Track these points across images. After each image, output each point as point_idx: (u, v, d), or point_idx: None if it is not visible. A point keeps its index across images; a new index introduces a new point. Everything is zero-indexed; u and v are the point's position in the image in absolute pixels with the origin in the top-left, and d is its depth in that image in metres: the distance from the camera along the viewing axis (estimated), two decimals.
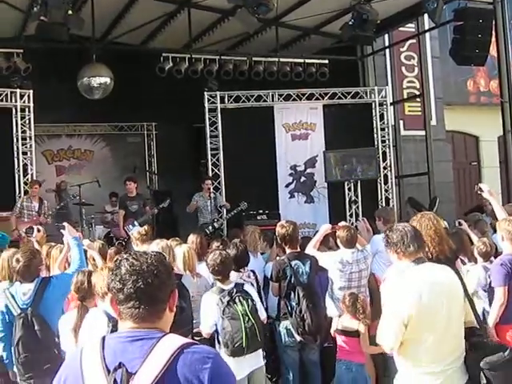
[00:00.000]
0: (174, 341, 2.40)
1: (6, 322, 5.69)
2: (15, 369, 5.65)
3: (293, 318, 6.93)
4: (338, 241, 7.43)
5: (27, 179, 13.28)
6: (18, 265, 5.79)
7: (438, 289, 4.12)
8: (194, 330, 6.24)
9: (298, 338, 6.97)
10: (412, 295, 4.00)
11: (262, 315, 6.21)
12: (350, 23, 12.59)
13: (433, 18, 12.78)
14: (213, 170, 14.64)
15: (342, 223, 7.86)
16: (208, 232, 12.71)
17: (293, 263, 7.03)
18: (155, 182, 18.49)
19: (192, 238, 8.02)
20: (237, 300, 5.81)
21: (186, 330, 6.12)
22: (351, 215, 14.67)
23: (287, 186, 14.93)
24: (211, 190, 13.50)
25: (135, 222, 12.65)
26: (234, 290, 5.90)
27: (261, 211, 13.81)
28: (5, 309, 5.67)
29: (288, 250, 7.24)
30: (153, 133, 18.71)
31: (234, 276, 6.51)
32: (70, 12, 10.99)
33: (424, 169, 15.62)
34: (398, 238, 4.31)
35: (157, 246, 6.44)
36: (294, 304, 6.91)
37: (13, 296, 5.67)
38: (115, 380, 2.31)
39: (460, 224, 8.47)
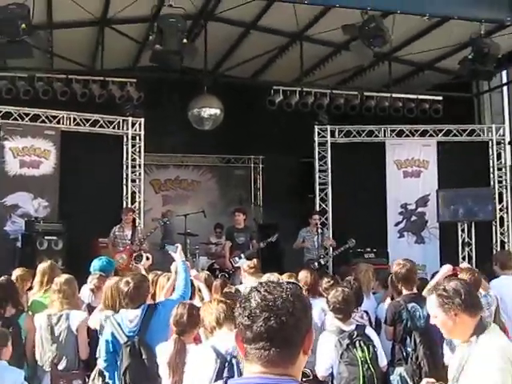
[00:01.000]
0: None
1: (111, 351, 5.50)
2: None
3: (408, 365, 6.46)
4: None
5: (134, 207, 13.35)
6: (128, 287, 5.62)
7: None
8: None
9: None
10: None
11: (383, 363, 5.80)
12: (470, 57, 12.08)
13: None
14: (320, 205, 14.35)
15: (465, 265, 7.36)
16: (314, 268, 12.35)
17: (409, 306, 6.58)
18: (260, 215, 18.27)
19: (304, 273, 7.71)
20: (357, 344, 5.44)
21: None
22: (464, 258, 14.00)
23: (397, 224, 14.45)
24: (318, 225, 13.17)
25: (242, 255, 12.48)
26: (355, 333, 5.53)
27: (368, 249, 13.40)
28: (110, 337, 5.49)
29: (404, 291, 6.80)
30: (259, 166, 18.57)
31: None
32: (184, 41, 10.98)
33: None
34: (463, 294, 3.63)
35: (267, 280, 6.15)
36: (409, 350, 6.44)
37: (119, 324, 5.48)
38: None
39: None
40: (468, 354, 3.67)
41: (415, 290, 6.87)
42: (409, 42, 13.54)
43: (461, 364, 3.71)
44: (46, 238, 11.81)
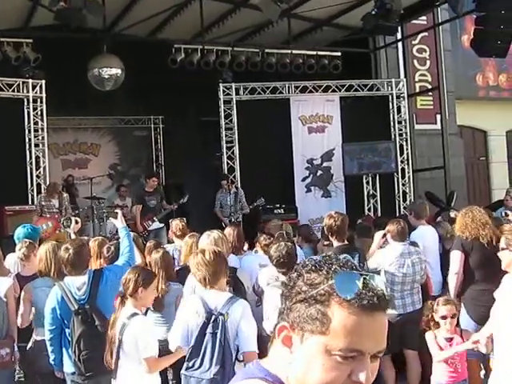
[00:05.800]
0: None
1: (57, 321, 5.27)
2: (68, 369, 5.30)
3: None
4: (389, 236, 7.18)
5: (39, 172, 12.91)
6: (68, 253, 5.40)
7: None
8: None
9: None
10: None
11: None
12: (373, 13, 12.26)
13: (455, 8, 12.51)
14: (228, 164, 14.29)
15: None
16: (224, 226, 12.39)
17: (341, 257, 6.69)
18: (162, 176, 18.07)
19: (229, 230, 7.70)
20: None
21: None
22: (369, 209, 14.41)
23: (304, 179, 14.58)
24: (230, 186, 13.22)
25: (155, 218, 12.38)
26: None
27: (277, 205, 13.55)
28: (58, 305, 5.24)
29: (335, 243, 6.91)
30: (159, 126, 18.31)
31: None
32: None
33: (436, 163, 15.42)
34: None
35: (208, 237, 6.11)
36: None
37: (70, 290, 5.27)
38: None
39: (507, 215, 8.21)
40: None
41: (346, 242, 7.02)
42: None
43: None
44: None
